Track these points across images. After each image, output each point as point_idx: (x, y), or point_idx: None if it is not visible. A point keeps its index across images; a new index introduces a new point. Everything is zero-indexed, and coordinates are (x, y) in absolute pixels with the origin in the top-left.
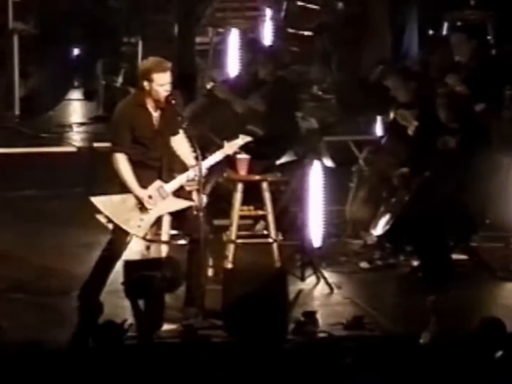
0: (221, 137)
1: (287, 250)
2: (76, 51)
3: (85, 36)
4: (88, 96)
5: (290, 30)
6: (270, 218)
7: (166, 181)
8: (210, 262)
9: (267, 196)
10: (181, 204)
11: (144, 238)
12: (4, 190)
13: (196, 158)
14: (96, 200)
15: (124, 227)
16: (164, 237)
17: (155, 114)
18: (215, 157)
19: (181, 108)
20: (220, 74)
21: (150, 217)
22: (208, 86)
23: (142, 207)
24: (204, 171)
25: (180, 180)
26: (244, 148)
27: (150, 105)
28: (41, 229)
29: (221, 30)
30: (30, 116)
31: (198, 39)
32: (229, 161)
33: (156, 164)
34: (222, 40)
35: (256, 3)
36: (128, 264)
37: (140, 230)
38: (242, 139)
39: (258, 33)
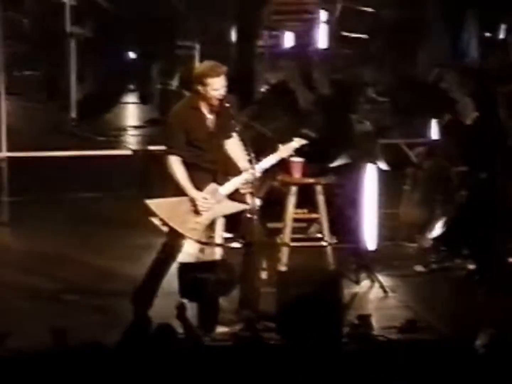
0: (278, 139)
1: (341, 254)
2: (131, 55)
3: (141, 39)
4: (143, 100)
5: (344, 33)
6: (324, 221)
7: (221, 184)
8: (264, 265)
9: (321, 199)
10: (236, 207)
11: (198, 241)
12: (60, 192)
13: (250, 161)
14: (152, 203)
15: (179, 229)
16: (218, 240)
17: (210, 117)
18: (270, 160)
19: (235, 112)
20: (275, 77)
21: (205, 220)
22: (262, 89)
23: (196, 210)
24: (258, 174)
25: (234, 183)
26: (298, 151)
27: (204, 108)
28: (97, 231)
29: (275, 32)
30: (86, 119)
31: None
32: (283, 164)
33: (210, 167)
34: (277, 42)
35: (311, 6)
36: (183, 266)
37: (195, 233)
38: (297, 142)
39: (313, 35)
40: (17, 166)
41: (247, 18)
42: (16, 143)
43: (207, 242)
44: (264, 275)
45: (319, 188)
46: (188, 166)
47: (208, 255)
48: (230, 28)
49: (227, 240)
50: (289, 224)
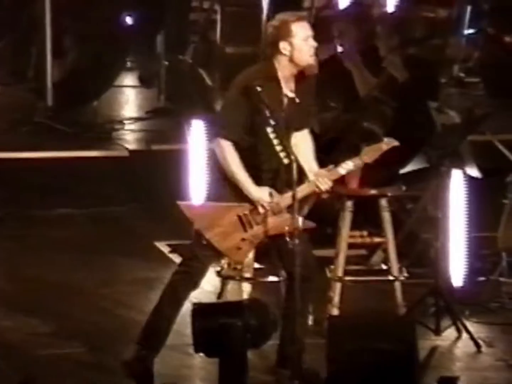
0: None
1: (415, 292)
2: (129, 20)
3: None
4: (145, 82)
5: None
6: (391, 247)
7: (280, 192)
8: (310, 307)
9: (386, 217)
10: (297, 223)
11: (219, 274)
12: (34, 207)
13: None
14: (185, 205)
15: (217, 245)
16: (248, 272)
17: (289, 95)
18: (347, 166)
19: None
20: (322, 50)
21: (255, 238)
22: None
23: (247, 223)
24: (327, 185)
25: (300, 191)
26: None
27: (284, 79)
28: (92, 259)
29: None
30: (66, 109)
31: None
32: None
33: (269, 168)
34: (328, 3)
35: None
36: (199, 308)
37: (239, 254)
38: (387, 144)
39: None
40: None
41: None
42: None
43: (231, 276)
44: (309, 320)
45: (384, 202)
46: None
47: (233, 293)
48: None
49: (259, 272)
50: (343, 251)
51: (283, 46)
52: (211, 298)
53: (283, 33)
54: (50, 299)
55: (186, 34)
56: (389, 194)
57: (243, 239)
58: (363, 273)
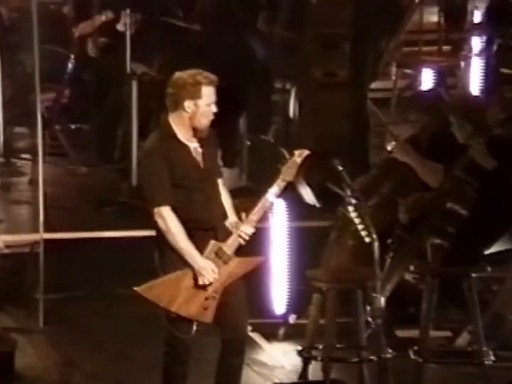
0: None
1: (503, 375)
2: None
3: (224, 81)
4: (227, 161)
5: (506, 71)
6: (478, 328)
7: (222, 240)
8: None
9: (472, 298)
10: (251, 262)
11: (300, 353)
12: (113, 284)
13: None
14: (142, 289)
15: (185, 315)
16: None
17: (193, 146)
18: (273, 191)
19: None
20: (407, 131)
21: (216, 292)
22: (389, 147)
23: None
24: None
25: (229, 247)
26: (439, 232)
27: (183, 134)
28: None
29: (408, 71)
30: None
31: (375, 84)
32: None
33: (206, 217)
34: (410, 84)
35: (460, 32)
36: None
37: (208, 313)
38: (299, 155)
39: (462, 74)
40: (58, 250)
41: (363, 51)
42: (57, 222)
43: (311, 356)
44: None
45: (469, 283)
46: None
47: (315, 373)
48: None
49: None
50: (427, 332)
51: (188, 104)
52: (292, 378)
53: (190, 92)
54: (133, 376)
55: (268, 115)
56: (474, 274)
57: (206, 299)
58: (447, 355)
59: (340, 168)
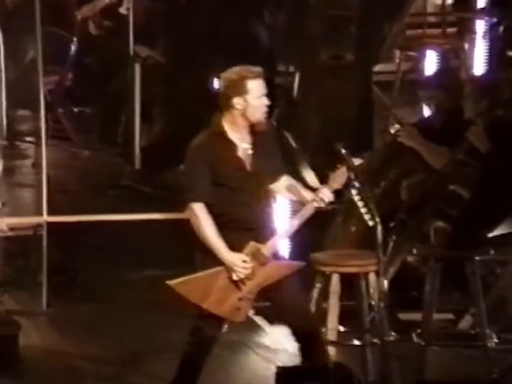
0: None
1: (505, 358)
2: (216, 83)
3: (227, 64)
4: None
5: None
6: (481, 311)
7: (261, 242)
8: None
9: (475, 281)
10: (289, 267)
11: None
12: (117, 269)
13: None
14: (175, 284)
15: (217, 313)
16: (331, 335)
17: (244, 147)
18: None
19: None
20: (409, 114)
21: (249, 294)
22: (392, 130)
23: (239, 282)
24: (327, 199)
25: (280, 236)
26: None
27: (234, 133)
28: (179, 320)
29: (412, 53)
30: (154, 172)
31: (379, 67)
32: None
33: (247, 219)
34: (414, 67)
35: (463, 14)
36: (282, 371)
37: (240, 313)
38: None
39: (466, 57)
40: (61, 234)
41: (368, 35)
42: (60, 205)
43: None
44: None
45: (472, 266)
46: (216, 220)
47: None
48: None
49: (343, 335)
50: (430, 315)
51: (237, 101)
52: (295, 362)
53: (239, 89)
54: (136, 359)
55: (272, 98)
56: (477, 257)
57: (240, 299)
58: (450, 337)
59: (344, 151)
